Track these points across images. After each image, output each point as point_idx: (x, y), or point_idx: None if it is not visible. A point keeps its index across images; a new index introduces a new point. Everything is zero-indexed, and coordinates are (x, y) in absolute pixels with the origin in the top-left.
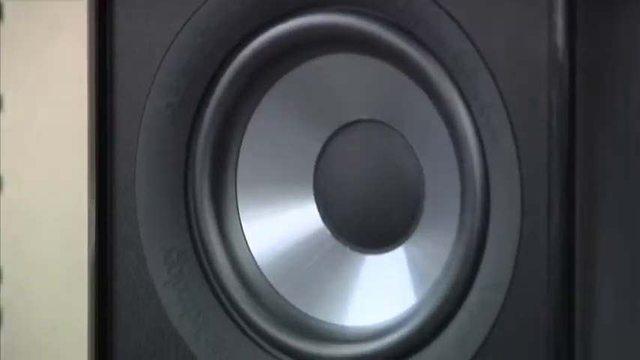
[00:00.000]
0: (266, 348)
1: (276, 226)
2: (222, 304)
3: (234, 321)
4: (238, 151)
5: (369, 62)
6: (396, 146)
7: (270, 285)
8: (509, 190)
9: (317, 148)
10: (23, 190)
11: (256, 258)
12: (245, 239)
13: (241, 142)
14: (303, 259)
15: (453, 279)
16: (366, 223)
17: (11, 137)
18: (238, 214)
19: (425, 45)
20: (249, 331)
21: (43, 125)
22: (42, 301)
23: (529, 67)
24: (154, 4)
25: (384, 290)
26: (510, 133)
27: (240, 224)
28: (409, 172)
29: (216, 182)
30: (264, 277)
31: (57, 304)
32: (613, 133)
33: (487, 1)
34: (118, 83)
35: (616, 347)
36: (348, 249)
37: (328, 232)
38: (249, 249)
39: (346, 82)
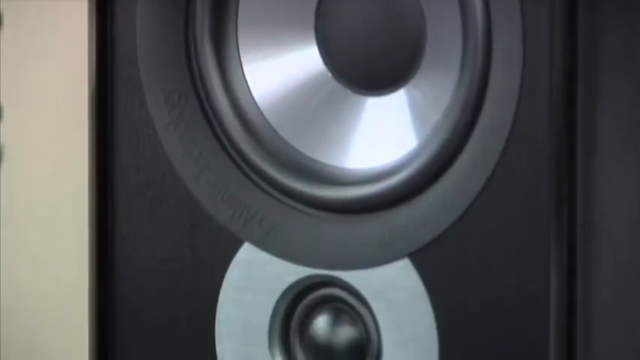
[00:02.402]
0: (267, 189)
1: (276, 68)
2: (223, 146)
3: (235, 162)
4: None
5: None
6: None
7: (271, 127)
8: (512, 33)
9: None
10: (23, 28)
11: (257, 100)
12: (246, 81)
13: None
14: (304, 102)
15: (453, 122)
16: (367, 66)
17: None
18: (239, 55)
19: None
20: (250, 173)
21: None
22: (42, 139)
23: None
24: None
25: (384, 133)
26: None
27: (241, 66)
28: (411, 14)
29: (216, 24)
30: (265, 118)
31: (57, 142)
32: None
33: None
34: None
35: (617, 186)
36: (349, 91)
37: (329, 74)
38: (249, 91)
39: None
